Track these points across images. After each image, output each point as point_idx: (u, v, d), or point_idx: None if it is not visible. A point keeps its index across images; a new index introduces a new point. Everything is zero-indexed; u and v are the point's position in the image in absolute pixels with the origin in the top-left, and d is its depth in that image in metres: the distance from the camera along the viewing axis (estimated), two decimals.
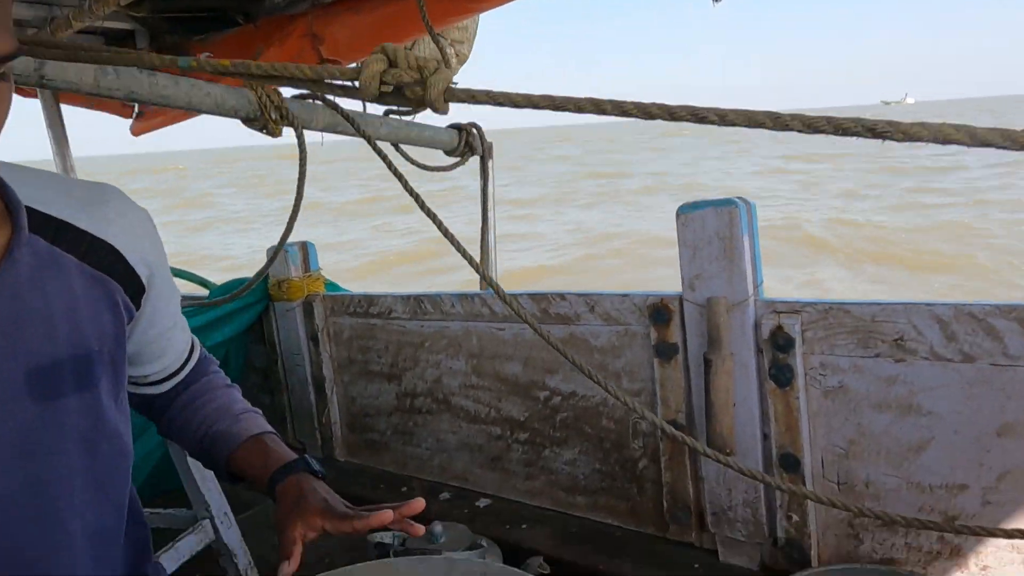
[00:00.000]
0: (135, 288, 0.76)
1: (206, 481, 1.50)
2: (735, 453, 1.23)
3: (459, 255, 1.13)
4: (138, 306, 0.77)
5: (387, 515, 0.75)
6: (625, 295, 1.41)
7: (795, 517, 1.22)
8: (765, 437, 1.25)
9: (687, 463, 1.36)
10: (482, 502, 1.71)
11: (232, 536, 1.56)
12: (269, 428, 0.93)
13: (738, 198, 1.23)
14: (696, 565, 1.32)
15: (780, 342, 1.19)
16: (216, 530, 1.51)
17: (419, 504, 0.79)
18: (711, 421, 1.24)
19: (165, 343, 0.86)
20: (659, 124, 0.64)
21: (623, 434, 1.47)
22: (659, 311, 1.34)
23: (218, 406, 0.92)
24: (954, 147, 0.52)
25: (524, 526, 1.57)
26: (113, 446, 0.74)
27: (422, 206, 1.14)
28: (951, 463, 1.09)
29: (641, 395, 1.41)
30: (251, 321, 2.17)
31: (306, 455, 0.90)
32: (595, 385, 1.47)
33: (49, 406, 0.67)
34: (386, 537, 1.36)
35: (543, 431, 1.60)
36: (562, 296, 1.49)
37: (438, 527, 1.38)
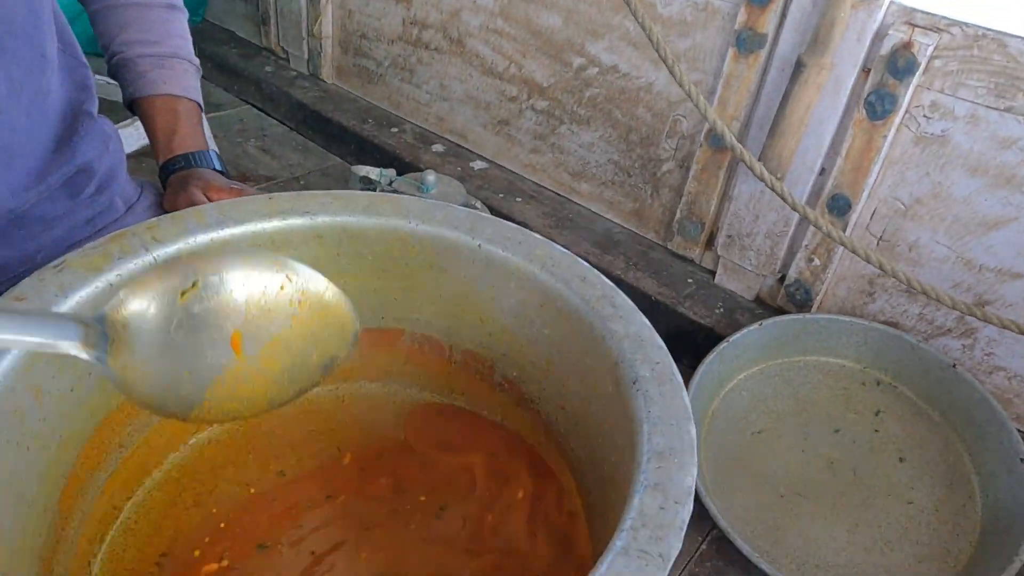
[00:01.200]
0: None
1: None
2: (783, 180, 1.07)
3: None
4: None
5: None
6: None
7: (816, 261, 1.12)
8: (823, 172, 1.08)
9: (720, 177, 1.20)
10: (477, 164, 1.57)
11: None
12: (194, 93, 0.76)
13: None
14: (689, 280, 1.26)
15: (898, 64, 0.95)
16: None
17: None
18: (773, 138, 1.05)
19: None
20: None
21: (657, 130, 1.28)
22: None
23: (143, 27, 0.73)
24: None
25: (518, 200, 1.45)
26: None
27: None
28: (1019, 250, 0.96)
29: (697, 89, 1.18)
30: None
31: (212, 152, 0.74)
32: (642, 64, 1.23)
33: None
34: (372, 172, 1.22)
35: (566, 104, 1.39)
36: None
37: (431, 176, 1.24)
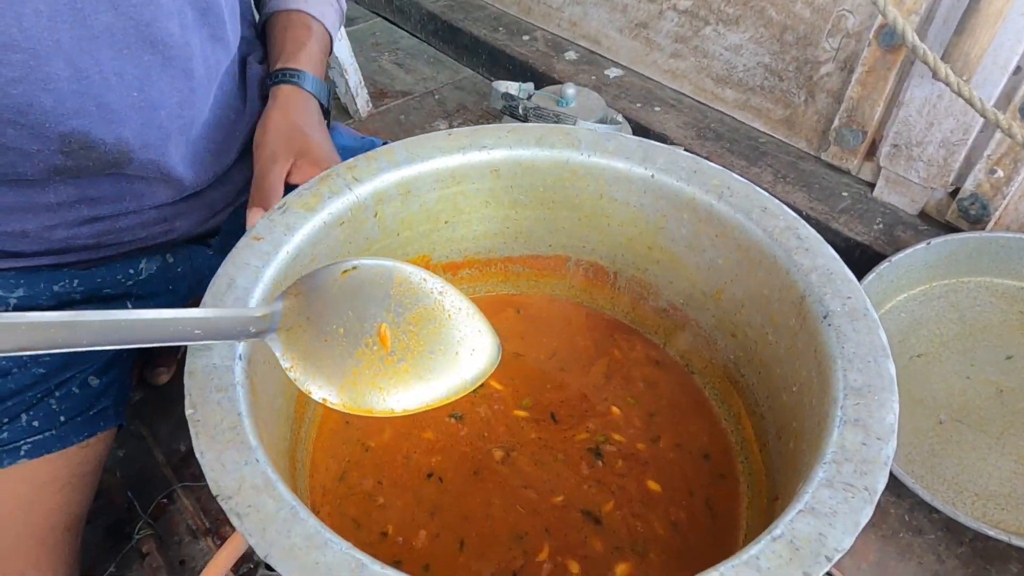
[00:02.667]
0: None
1: None
2: (969, 83, 0.96)
3: None
4: None
5: None
6: None
7: (1000, 173, 1.01)
8: (1017, 71, 0.96)
9: (890, 80, 1.09)
10: (612, 72, 1.51)
11: (342, 48, 1.44)
12: (313, 9, 0.71)
13: None
14: (844, 193, 1.18)
15: None
16: None
17: None
18: (960, 35, 0.94)
19: None
20: None
21: (817, 28, 1.17)
22: None
23: None
24: None
25: (657, 108, 1.40)
26: None
27: None
28: None
29: None
30: None
31: (306, 75, 0.69)
32: None
33: None
34: (512, 87, 1.22)
35: (712, 3, 1.29)
36: None
37: (570, 89, 1.21)
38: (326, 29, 0.74)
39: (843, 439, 0.37)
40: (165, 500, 0.88)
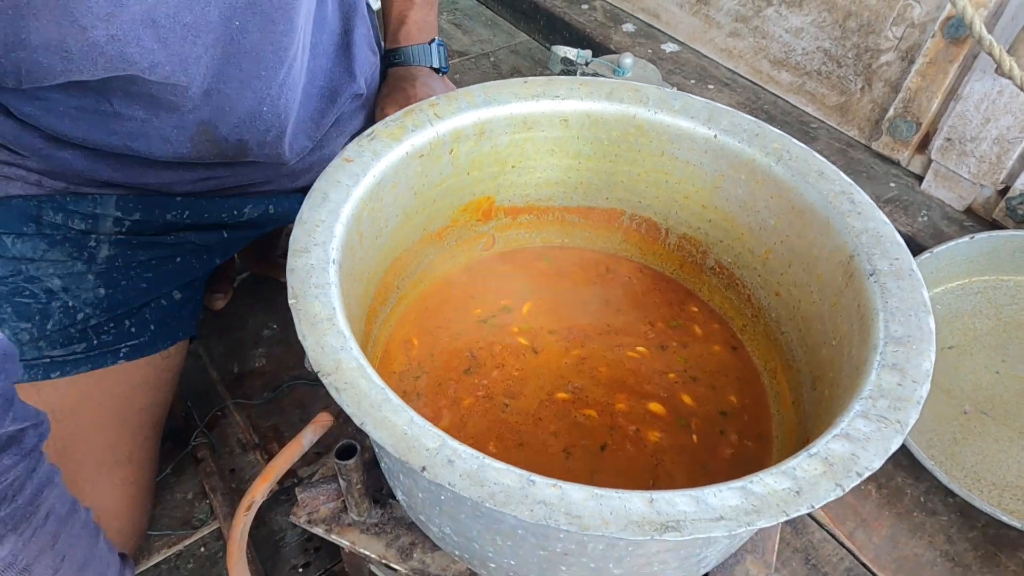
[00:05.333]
0: None
1: None
2: None
3: None
4: None
5: None
6: None
7: None
8: None
9: (950, 73, 1.09)
10: (669, 47, 1.52)
11: None
12: None
13: None
14: (892, 184, 1.19)
15: None
16: None
17: None
18: None
19: None
20: None
21: (882, 15, 1.17)
22: None
23: None
24: None
25: (711, 87, 1.41)
26: None
27: None
28: None
29: None
30: None
31: (435, 46, 0.76)
32: None
33: None
34: (571, 53, 1.24)
35: None
36: None
37: (628, 59, 1.23)
38: None
39: (880, 380, 0.40)
40: (220, 413, 0.95)
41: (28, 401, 0.67)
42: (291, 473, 0.90)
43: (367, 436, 0.63)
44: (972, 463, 0.92)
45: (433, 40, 0.81)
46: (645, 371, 0.61)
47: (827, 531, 0.87)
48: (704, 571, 0.47)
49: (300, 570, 0.82)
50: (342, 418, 0.73)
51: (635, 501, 0.34)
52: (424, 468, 0.34)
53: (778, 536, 0.59)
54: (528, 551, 0.42)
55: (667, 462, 0.55)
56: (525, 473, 0.35)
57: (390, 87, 0.78)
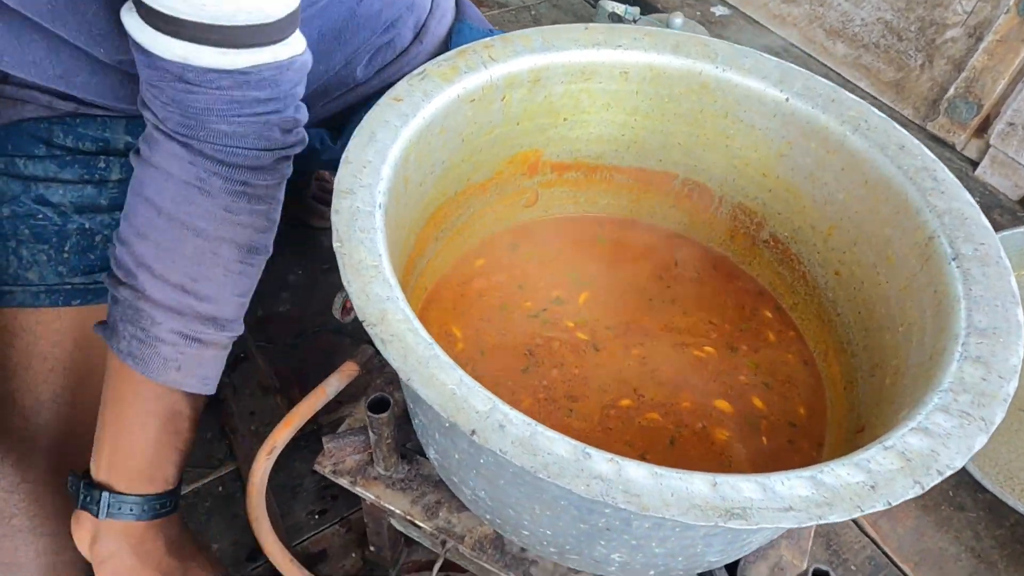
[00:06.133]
0: None
1: None
2: None
3: None
4: None
5: None
6: None
7: None
8: None
9: (1021, 54, 1.03)
10: (719, 10, 1.46)
11: None
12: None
13: None
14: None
15: None
16: None
17: None
18: None
19: None
20: None
21: None
22: None
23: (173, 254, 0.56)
24: None
25: None
26: None
27: None
28: None
29: None
30: None
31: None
32: None
33: None
34: (619, 8, 1.18)
35: None
36: None
37: (678, 19, 1.18)
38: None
39: (962, 373, 0.37)
40: (242, 355, 0.93)
41: (52, 327, 0.66)
42: (312, 420, 0.89)
43: (397, 390, 0.61)
44: (1006, 460, 0.89)
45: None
46: (711, 371, 0.57)
47: (852, 519, 0.86)
48: (745, 553, 0.45)
49: (316, 516, 0.81)
50: (367, 369, 0.72)
51: (697, 483, 0.31)
52: (474, 432, 0.32)
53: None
54: (568, 523, 0.40)
55: (736, 463, 0.52)
56: (580, 444, 0.33)
57: None
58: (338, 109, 0.74)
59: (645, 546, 0.40)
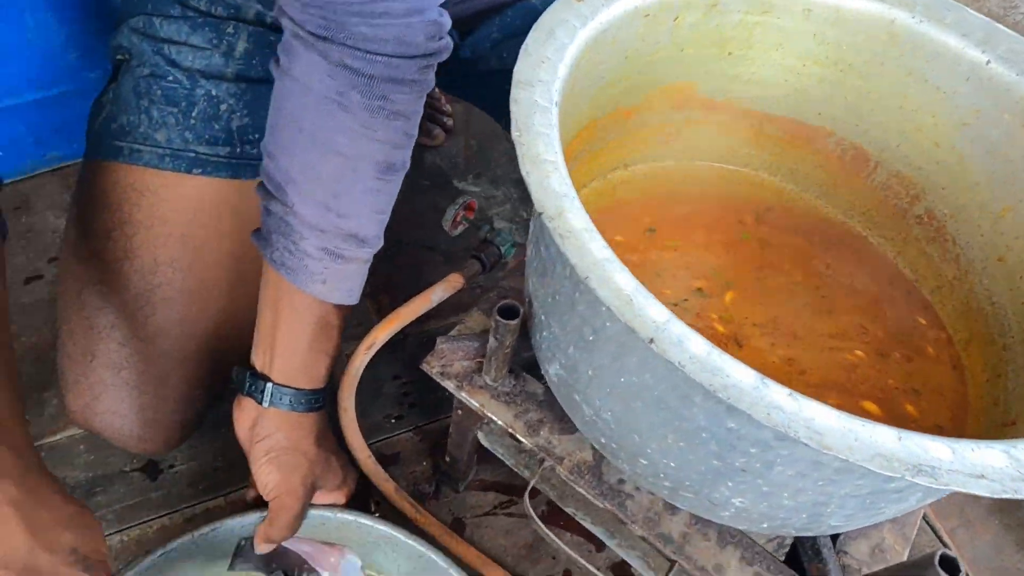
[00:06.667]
0: None
1: None
2: None
3: None
4: None
5: None
6: None
7: None
8: None
9: None
10: None
11: None
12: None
13: None
14: None
15: None
16: None
17: None
18: None
19: None
20: None
21: None
22: None
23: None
24: None
25: None
26: None
27: None
28: None
29: None
30: None
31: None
32: None
33: None
34: None
35: None
36: None
37: None
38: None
39: None
40: None
41: (174, 191, 0.68)
42: (400, 331, 0.90)
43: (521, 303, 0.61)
44: None
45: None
46: (860, 375, 0.54)
47: (926, 521, 0.83)
48: (876, 521, 0.43)
49: (393, 420, 0.83)
50: (471, 284, 0.71)
51: (883, 433, 0.30)
52: (652, 340, 0.31)
53: (922, 515, 0.55)
54: (700, 458, 0.39)
55: None
56: (756, 372, 0.31)
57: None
58: (466, 14, 0.72)
59: (776, 495, 0.39)
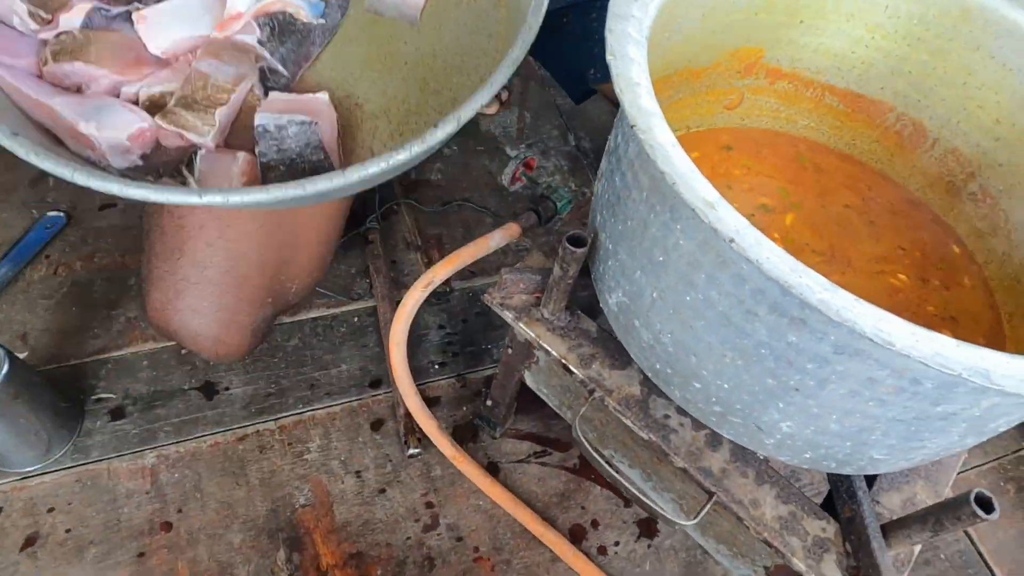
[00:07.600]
0: None
1: None
2: None
3: None
4: None
5: None
6: None
7: None
8: None
9: None
10: None
11: None
12: None
13: None
14: None
15: None
16: None
17: None
18: None
19: None
20: None
21: None
22: None
23: None
24: None
25: None
26: None
27: None
28: None
29: None
30: None
31: None
32: None
33: None
34: None
35: None
36: None
37: None
38: None
39: None
40: (394, 208, 0.98)
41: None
42: (445, 282, 0.93)
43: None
44: None
45: None
46: (902, 300, 0.56)
47: None
48: (916, 460, 0.45)
49: (436, 367, 0.86)
50: (526, 234, 0.74)
51: (943, 338, 0.32)
52: (732, 240, 0.34)
53: (955, 474, 0.56)
54: (755, 376, 0.41)
55: None
56: (823, 278, 0.34)
57: None
58: None
59: (824, 418, 0.41)
